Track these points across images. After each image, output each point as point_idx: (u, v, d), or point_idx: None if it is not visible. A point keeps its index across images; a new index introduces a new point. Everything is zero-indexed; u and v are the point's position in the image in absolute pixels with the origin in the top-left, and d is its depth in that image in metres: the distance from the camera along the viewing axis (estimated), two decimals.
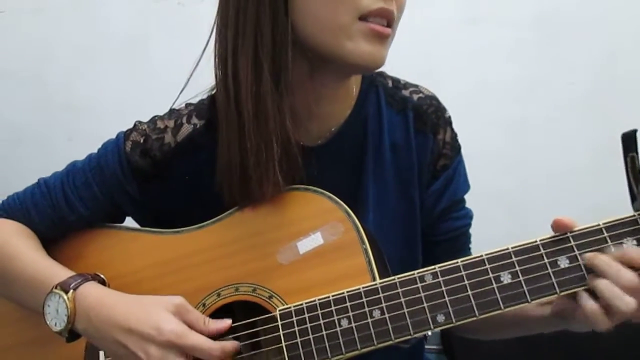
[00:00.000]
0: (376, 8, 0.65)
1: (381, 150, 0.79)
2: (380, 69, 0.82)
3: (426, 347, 1.01)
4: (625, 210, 0.61)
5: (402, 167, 0.79)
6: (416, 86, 0.83)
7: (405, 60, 1.46)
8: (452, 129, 0.83)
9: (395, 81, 0.83)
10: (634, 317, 0.58)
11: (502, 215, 1.41)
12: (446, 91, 1.41)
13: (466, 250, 0.86)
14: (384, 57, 0.68)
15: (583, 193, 1.25)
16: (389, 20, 0.66)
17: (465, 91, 1.46)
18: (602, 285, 0.58)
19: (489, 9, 1.45)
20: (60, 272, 0.74)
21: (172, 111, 0.80)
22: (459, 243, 0.84)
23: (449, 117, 0.83)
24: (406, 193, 0.80)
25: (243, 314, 0.73)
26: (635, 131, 0.59)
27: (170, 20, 1.60)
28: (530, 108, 1.45)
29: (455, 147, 0.83)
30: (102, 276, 0.76)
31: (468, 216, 0.85)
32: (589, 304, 0.59)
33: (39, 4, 1.66)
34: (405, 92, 0.81)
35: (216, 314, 0.72)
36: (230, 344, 0.67)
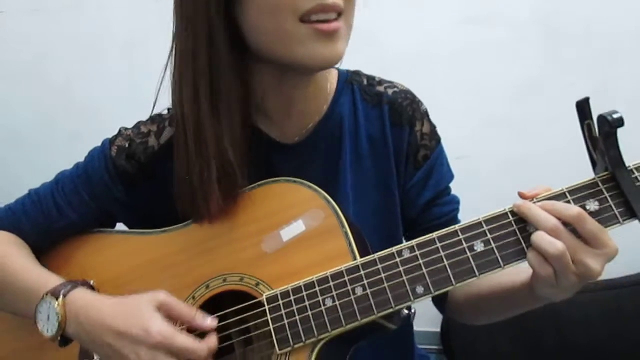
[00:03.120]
0: (314, 5, 0.64)
1: (358, 143, 0.82)
2: (356, 68, 0.87)
3: (426, 347, 1.02)
4: None
5: (379, 158, 0.82)
6: (391, 82, 0.86)
7: (405, 60, 1.47)
8: (430, 122, 0.85)
9: (370, 78, 0.86)
10: (581, 273, 0.60)
11: None
12: (446, 91, 1.41)
13: None
14: (338, 52, 0.67)
15: None
16: (335, 12, 0.65)
17: (465, 91, 1.47)
18: (534, 234, 0.61)
19: (489, 9, 1.45)
20: (50, 279, 0.75)
21: (154, 116, 0.83)
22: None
23: (425, 110, 0.85)
24: (385, 184, 0.83)
25: (234, 305, 0.75)
26: (587, 99, 0.63)
27: (170, 20, 1.62)
28: (530, 108, 1.46)
29: (435, 138, 0.85)
30: (90, 282, 0.78)
31: (454, 201, 0.87)
32: (529, 254, 0.62)
33: (39, 4, 1.67)
34: (380, 88, 0.84)
35: (206, 306, 0.74)
36: (216, 340, 0.69)
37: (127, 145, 0.81)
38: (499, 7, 1.46)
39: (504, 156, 1.47)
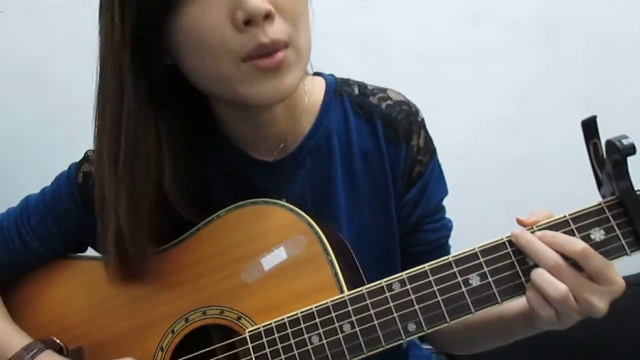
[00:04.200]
0: (255, 46, 0.56)
1: (352, 161, 0.75)
2: (355, 70, 0.80)
3: (426, 347, 1.01)
4: None
5: (375, 175, 0.75)
6: (384, 91, 0.77)
7: (405, 61, 1.44)
8: (426, 132, 0.78)
9: (362, 87, 0.77)
10: (584, 311, 0.56)
11: (502, 215, 1.38)
12: (446, 91, 1.39)
13: None
14: (286, 87, 0.60)
15: (583, 193, 1.22)
16: (278, 47, 0.57)
17: (466, 91, 1.43)
18: (534, 271, 0.56)
19: (489, 10, 1.41)
20: (14, 341, 0.71)
21: None
22: (436, 256, 0.80)
23: (422, 119, 0.77)
24: (382, 204, 0.76)
25: (220, 335, 0.71)
26: (594, 117, 0.57)
27: None
28: (530, 108, 1.43)
29: (430, 151, 0.77)
30: (57, 341, 0.73)
31: (446, 227, 0.81)
32: (528, 293, 0.57)
33: (39, 4, 1.62)
34: (373, 99, 0.76)
35: (189, 338, 0.70)
36: None
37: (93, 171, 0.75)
38: (499, 8, 1.41)
39: (505, 156, 1.44)
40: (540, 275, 0.55)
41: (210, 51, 0.57)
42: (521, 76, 1.41)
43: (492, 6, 1.41)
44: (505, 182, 1.42)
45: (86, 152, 0.78)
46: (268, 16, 0.55)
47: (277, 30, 0.57)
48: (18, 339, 0.71)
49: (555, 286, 0.54)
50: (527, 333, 0.68)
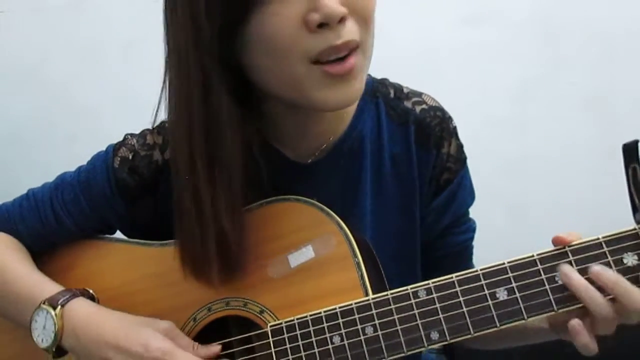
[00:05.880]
0: (325, 48, 0.56)
1: (381, 164, 0.75)
2: (383, 77, 0.80)
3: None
4: (623, 210, 0.60)
5: (403, 180, 0.76)
6: (419, 95, 0.78)
7: (405, 60, 1.44)
8: (458, 140, 0.79)
9: (398, 90, 0.78)
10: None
11: (502, 215, 1.39)
12: (446, 91, 1.40)
13: (468, 264, 0.82)
14: (354, 93, 0.61)
15: (583, 193, 1.24)
16: (350, 50, 0.58)
17: (465, 91, 1.43)
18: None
19: (488, 9, 1.42)
20: (48, 287, 0.72)
21: (162, 126, 0.77)
22: (461, 257, 0.81)
23: (455, 127, 0.78)
24: (407, 208, 0.77)
25: (238, 328, 0.72)
26: (636, 142, 0.57)
27: None
28: (530, 108, 1.44)
29: (460, 160, 0.78)
30: (90, 291, 0.75)
31: (471, 229, 0.82)
32: (572, 321, 0.58)
33: (39, 4, 1.64)
34: (408, 104, 0.77)
35: (209, 328, 0.71)
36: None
37: (130, 157, 0.76)
38: (499, 7, 1.42)
39: (504, 156, 1.45)
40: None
41: (281, 52, 0.57)
42: (521, 76, 1.42)
43: (491, 6, 1.42)
44: (505, 182, 1.43)
45: (126, 136, 0.79)
46: (342, 19, 0.56)
47: (349, 31, 0.57)
48: (52, 287, 0.72)
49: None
50: (547, 339, 0.69)
